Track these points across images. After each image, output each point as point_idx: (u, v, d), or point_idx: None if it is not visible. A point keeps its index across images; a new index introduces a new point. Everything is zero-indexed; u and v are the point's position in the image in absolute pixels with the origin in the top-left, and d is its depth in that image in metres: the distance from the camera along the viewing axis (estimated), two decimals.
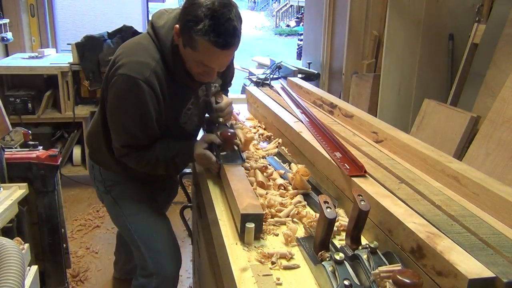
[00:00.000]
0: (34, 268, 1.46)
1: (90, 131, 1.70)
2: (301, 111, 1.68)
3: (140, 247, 1.65)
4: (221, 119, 1.54)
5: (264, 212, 1.03)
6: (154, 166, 1.46)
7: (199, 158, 1.41)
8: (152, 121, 1.39)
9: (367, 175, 1.11)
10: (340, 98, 2.92)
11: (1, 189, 1.65)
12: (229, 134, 1.38)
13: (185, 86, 1.45)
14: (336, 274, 0.81)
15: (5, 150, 1.85)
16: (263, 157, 1.46)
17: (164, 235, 1.68)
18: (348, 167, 1.13)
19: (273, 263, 0.90)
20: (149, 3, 4.35)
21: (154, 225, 1.68)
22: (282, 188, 1.23)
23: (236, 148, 1.41)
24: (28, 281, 1.38)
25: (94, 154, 1.71)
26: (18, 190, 1.69)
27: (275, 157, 1.46)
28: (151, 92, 1.34)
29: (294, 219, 1.08)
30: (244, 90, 2.71)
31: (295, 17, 19.36)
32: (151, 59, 1.35)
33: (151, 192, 1.77)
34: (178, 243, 1.74)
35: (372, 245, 0.86)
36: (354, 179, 1.07)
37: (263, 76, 4.51)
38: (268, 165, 1.35)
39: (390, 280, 0.75)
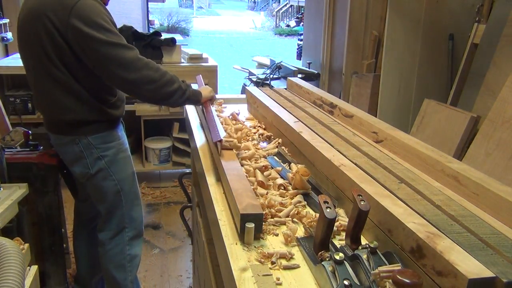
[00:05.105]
0: (34, 268, 1.47)
1: (61, 105, 1.69)
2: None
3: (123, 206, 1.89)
4: None
5: (264, 212, 1.03)
6: (164, 74, 1.67)
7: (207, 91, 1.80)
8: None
9: (367, 175, 1.11)
10: (340, 98, 2.92)
11: (1, 189, 1.65)
12: None
13: None
14: (336, 274, 0.81)
15: (5, 150, 1.85)
16: (264, 157, 1.46)
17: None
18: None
19: (273, 263, 0.90)
20: (149, 3, 4.35)
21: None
22: (282, 188, 1.23)
23: None
24: (28, 281, 1.38)
25: (78, 125, 1.72)
26: (18, 190, 1.69)
27: (275, 157, 1.46)
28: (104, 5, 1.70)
29: (294, 219, 1.08)
30: (244, 90, 2.70)
31: (295, 17, 19.36)
32: None
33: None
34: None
35: (372, 245, 0.86)
36: (355, 179, 1.07)
37: (263, 76, 4.51)
38: (268, 165, 1.35)
39: (390, 280, 0.75)
